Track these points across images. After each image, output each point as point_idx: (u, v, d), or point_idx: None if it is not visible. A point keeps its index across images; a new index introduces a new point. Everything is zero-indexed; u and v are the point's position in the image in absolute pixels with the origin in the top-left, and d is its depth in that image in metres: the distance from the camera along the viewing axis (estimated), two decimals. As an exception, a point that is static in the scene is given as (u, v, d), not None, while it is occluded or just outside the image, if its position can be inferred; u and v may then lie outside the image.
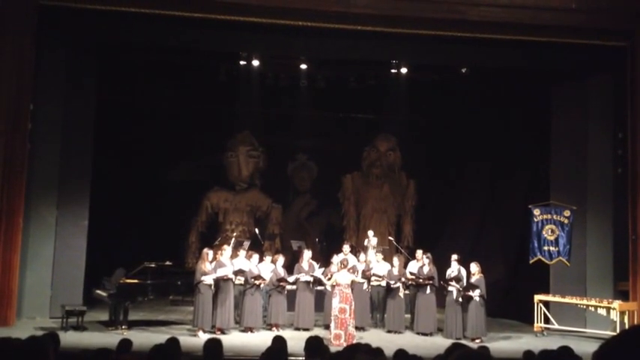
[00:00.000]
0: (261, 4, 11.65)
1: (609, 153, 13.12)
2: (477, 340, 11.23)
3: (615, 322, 11.68)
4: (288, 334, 10.88)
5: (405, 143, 17.32)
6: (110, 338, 9.52)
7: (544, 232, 13.05)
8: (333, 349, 7.56)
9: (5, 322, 11.06)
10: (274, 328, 11.94)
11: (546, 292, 12.94)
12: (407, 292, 12.77)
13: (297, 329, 12.02)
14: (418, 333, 12.16)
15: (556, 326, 12.52)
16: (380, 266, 12.94)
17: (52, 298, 12.27)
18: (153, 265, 11.58)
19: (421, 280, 12.30)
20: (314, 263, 12.67)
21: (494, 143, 15.83)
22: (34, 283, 12.13)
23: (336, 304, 10.94)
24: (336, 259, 12.19)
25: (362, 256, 13.30)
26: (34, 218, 12.16)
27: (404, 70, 14.16)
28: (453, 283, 11.92)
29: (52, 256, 12.45)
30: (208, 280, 11.32)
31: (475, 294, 11.67)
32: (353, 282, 11.39)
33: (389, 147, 17.45)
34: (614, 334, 11.35)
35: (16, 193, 11.34)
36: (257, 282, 11.89)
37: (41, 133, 12.15)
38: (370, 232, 14.66)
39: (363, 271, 12.59)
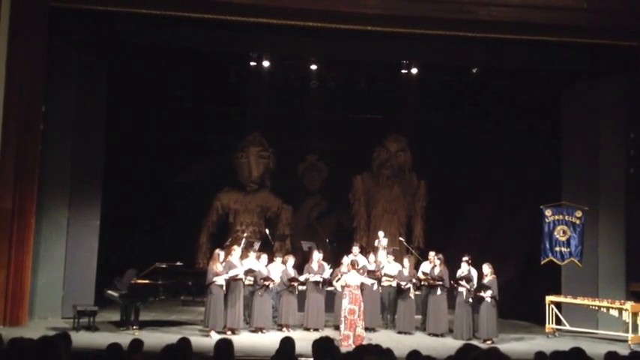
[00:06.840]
0: (271, 4, 11.67)
1: (621, 153, 13.05)
2: (488, 342, 11.20)
3: (627, 323, 11.61)
4: (298, 334, 10.92)
5: (415, 144, 17.28)
6: (121, 338, 9.48)
7: (556, 233, 12.98)
8: (342, 349, 7.54)
9: (17, 322, 11.14)
10: (284, 329, 11.95)
11: (558, 293, 12.87)
12: (418, 293, 12.75)
13: (307, 329, 12.04)
14: (429, 334, 12.14)
15: (568, 327, 12.46)
16: (390, 267, 12.93)
17: (64, 298, 12.33)
18: (164, 266, 11.60)
19: (432, 281, 12.28)
20: (324, 264, 12.66)
21: (505, 143, 15.79)
22: (45, 284, 12.19)
23: (345, 305, 10.93)
24: (346, 260, 12.19)
25: (372, 256, 13.29)
26: (45, 219, 12.23)
27: (414, 71, 14.10)
28: (463, 282, 11.89)
29: (63, 256, 12.51)
30: (220, 280, 11.35)
31: (487, 295, 11.62)
32: (362, 283, 11.39)
33: (399, 147, 17.42)
34: (627, 335, 11.29)
35: (28, 193, 11.42)
36: (266, 283, 11.91)
37: (53, 134, 12.23)
38: (381, 233, 14.66)
39: (373, 272, 12.57)
